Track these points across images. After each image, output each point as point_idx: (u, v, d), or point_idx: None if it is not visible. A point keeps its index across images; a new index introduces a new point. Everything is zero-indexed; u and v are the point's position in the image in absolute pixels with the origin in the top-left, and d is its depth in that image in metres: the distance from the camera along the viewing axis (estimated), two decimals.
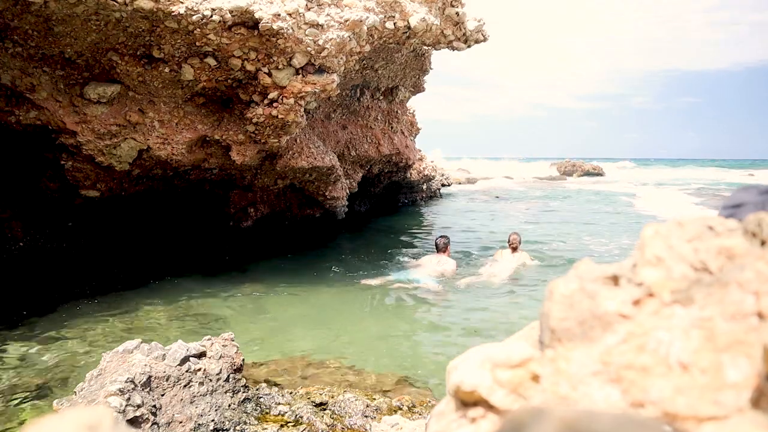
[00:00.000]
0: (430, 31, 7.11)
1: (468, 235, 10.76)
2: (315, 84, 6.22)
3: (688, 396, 0.54)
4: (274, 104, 6.37)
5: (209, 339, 3.26)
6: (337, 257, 8.53)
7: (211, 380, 3.00)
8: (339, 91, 7.00)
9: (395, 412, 3.15)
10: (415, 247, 9.56)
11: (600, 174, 38.32)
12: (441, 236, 7.86)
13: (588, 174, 38.06)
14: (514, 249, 7.89)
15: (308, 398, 3.31)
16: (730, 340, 0.56)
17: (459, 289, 6.61)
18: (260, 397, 3.26)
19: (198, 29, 5.70)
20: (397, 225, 12.17)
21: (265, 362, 4.12)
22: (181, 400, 2.82)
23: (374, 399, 3.31)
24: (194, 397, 2.88)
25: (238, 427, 2.96)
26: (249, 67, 6.11)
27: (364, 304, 6.01)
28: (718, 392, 0.53)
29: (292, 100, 6.29)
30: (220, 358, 3.13)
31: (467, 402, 0.69)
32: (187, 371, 2.91)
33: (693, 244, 0.64)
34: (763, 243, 0.61)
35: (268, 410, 3.17)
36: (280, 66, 6.08)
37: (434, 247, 7.86)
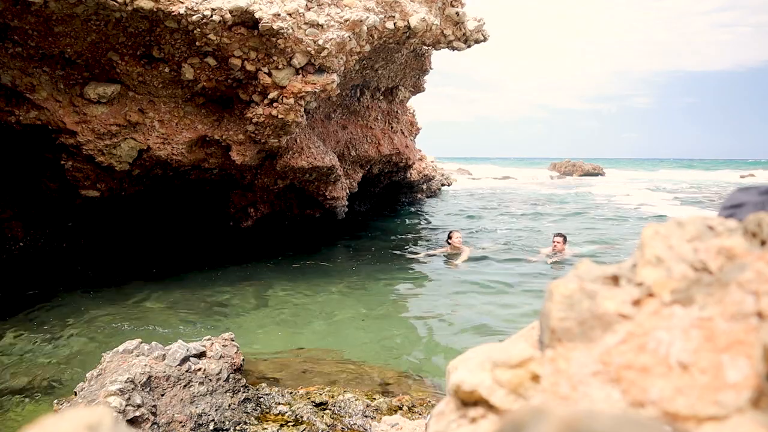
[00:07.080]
0: (430, 31, 7.11)
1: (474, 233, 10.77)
2: (315, 84, 6.22)
3: (688, 396, 0.54)
4: (274, 104, 6.36)
5: (209, 339, 3.26)
6: (338, 256, 8.54)
7: (211, 380, 3.00)
8: (339, 91, 7.00)
9: (395, 412, 3.14)
10: (417, 244, 9.56)
11: (600, 174, 38.30)
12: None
13: (588, 174, 38.05)
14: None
15: (308, 398, 3.31)
16: (730, 340, 0.56)
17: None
18: (260, 397, 3.26)
19: (198, 29, 5.70)
20: (398, 224, 12.17)
21: (265, 355, 4.12)
22: (181, 400, 2.82)
23: (374, 399, 3.31)
24: (194, 397, 2.88)
25: (238, 427, 2.96)
26: (249, 66, 6.11)
27: (365, 301, 6.01)
28: (718, 392, 0.53)
29: (292, 100, 6.28)
30: (220, 358, 3.13)
31: (467, 402, 0.69)
32: (187, 371, 2.91)
33: (693, 244, 0.64)
34: (763, 243, 0.61)
35: (268, 410, 3.17)
36: (280, 66, 6.08)
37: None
